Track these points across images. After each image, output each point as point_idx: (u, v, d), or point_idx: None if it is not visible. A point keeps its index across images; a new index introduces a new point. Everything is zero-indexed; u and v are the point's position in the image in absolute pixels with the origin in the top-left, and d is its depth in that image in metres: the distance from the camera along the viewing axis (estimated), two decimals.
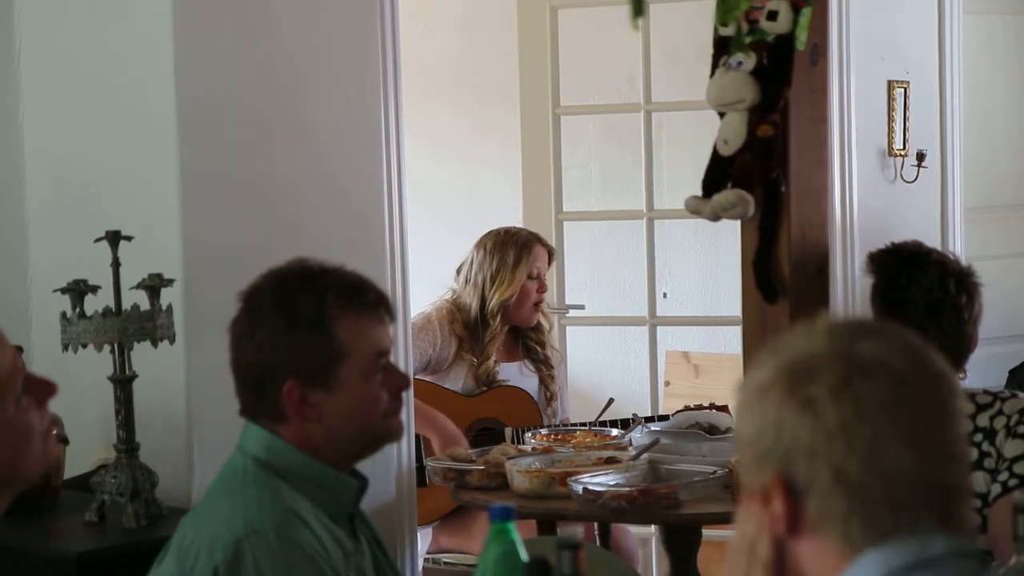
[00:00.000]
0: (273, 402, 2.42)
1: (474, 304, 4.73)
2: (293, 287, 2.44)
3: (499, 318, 4.72)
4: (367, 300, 2.47)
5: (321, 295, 2.43)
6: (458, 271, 4.83)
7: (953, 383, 1.55)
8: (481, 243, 4.81)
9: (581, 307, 5.67)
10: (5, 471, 1.84)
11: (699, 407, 4.52)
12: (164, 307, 3.15)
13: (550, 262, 4.87)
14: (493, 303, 4.70)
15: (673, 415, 4.55)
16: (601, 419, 4.58)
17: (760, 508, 1.52)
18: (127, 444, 3.16)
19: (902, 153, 4.64)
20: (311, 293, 2.43)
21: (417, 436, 4.31)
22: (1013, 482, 3.41)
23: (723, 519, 3.68)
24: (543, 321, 4.89)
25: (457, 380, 4.72)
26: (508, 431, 4.56)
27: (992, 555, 3.25)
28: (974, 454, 3.44)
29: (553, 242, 5.33)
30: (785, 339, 1.56)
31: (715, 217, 3.81)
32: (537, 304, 4.78)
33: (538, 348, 4.85)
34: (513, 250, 4.75)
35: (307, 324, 2.41)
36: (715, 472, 3.70)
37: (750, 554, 1.53)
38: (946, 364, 1.55)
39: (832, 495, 1.49)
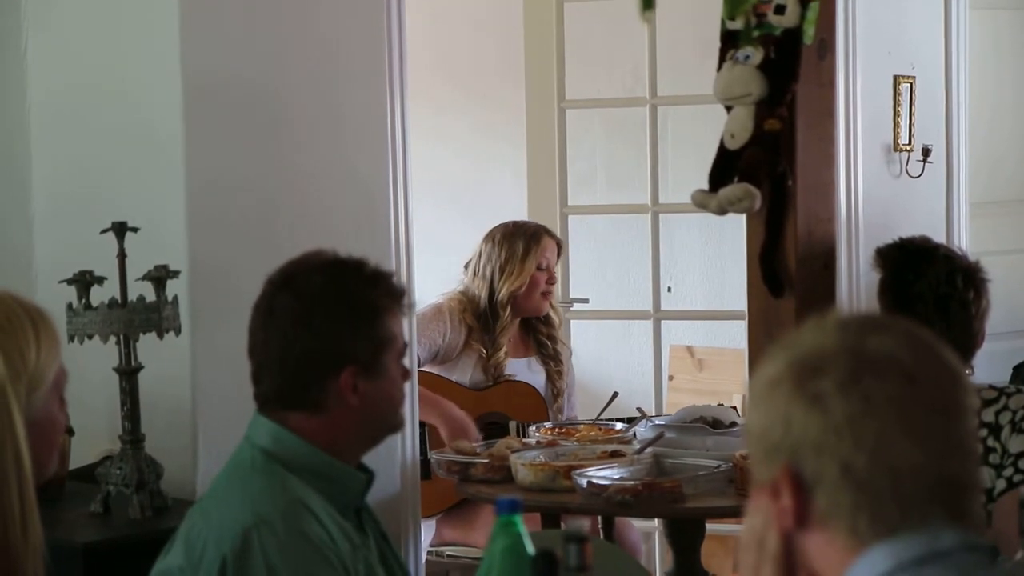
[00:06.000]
0: (317, 390, 2.43)
1: (483, 296, 4.71)
2: (348, 277, 2.48)
3: (509, 309, 4.71)
4: (397, 291, 2.53)
5: (372, 284, 2.48)
6: (466, 266, 4.81)
7: (963, 379, 1.54)
8: (489, 235, 4.80)
9: (585, 301, 5.66)
10: (42, 467, 1.88)
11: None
12: (170, 299, 3.15)
13: (559, 254, 4.86)
14: (503, 294, 4.69)
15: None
16: (605, 414, 4.57)
17: (769, 502, 1.52)
18: (132, 435, 3.16)
19: (907, 148, 4.63)
20: (363, 283, 2.47)
21: (422, 429, 4.31)
22: (1018, 478, 3.41)
23: (727, 513, 3.69)
24: (553, 315, 4.88)
25: (465, 371, 4.71)
26: (512, 424, 4.55)
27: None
28: (978, 450, 3.43)
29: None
30: (795, 334, 1.56)
31: (722, 211, 3.81)
32: (545, 294, 4.76)
33: (549, 343, 4.84)
34: (522, 241, 4.73)
35: (365, 313, 2.46)
36: (719, 466, 3.70)
37: (759, 548, 1.53)
38: (956, 360, 1.55)
39: (840, 489, 1.48)
